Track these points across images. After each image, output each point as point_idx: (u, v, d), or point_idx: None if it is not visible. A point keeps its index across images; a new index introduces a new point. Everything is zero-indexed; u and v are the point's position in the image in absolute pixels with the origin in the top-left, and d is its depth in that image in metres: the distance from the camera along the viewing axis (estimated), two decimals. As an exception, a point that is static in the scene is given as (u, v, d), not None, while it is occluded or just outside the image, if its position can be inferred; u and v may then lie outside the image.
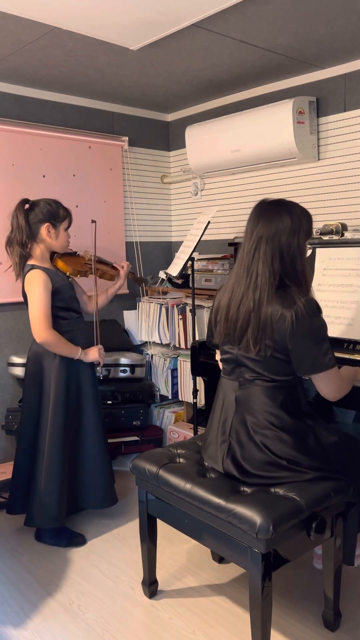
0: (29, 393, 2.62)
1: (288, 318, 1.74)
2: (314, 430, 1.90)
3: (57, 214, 2.56)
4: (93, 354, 2.63)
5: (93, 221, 2.80)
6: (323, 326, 1.79)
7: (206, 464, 2.05)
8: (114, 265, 2.94)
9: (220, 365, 2.14)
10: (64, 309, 2.58)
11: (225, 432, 1.93)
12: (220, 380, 2.04)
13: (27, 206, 2.56)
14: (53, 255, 2.65)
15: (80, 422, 2.68)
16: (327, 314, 2.47)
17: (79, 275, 2.69)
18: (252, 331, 1.80)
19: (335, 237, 2.63)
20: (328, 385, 1.85)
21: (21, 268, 2.56)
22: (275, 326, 1.76)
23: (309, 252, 1.99)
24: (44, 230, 2.54)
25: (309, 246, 1.96)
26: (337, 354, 2.28)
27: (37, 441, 2.60)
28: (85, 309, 2.84)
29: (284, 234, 1.80)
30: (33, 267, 2.52)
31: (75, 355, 2.56)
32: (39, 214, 2.53)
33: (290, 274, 1.82)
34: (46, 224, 2.54)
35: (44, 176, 3.43)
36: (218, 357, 2.15)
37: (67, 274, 2.65)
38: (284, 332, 1.76)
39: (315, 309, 1.78)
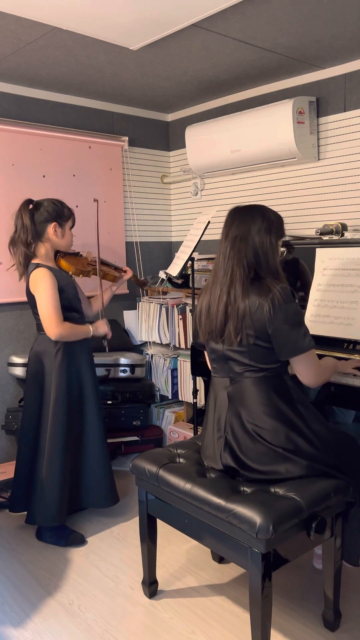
0: (30, 392, 2.62)
1: (266, 306, 1.82)
2: (307, 419, 1.93)
3: (62, 213, 2.59)
4: (102, 326, 2.69)
5: (95, 200, 2.78)
6: (299, 311, 1.87)
7: (206, 464, 2.06)
8: (117, 267, 2.95)
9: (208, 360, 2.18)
10: (67, 308, 2.59)
11: (221, 429, 1.96)
12: (211, 381, 2.07)
13: (31, 206, 2.57)
14: (56, 255, 2.66)
15: (82, 421, 2.69)
16: (327, 314, 2.47)
17: (81, 275, 2.70)
18: (232, 323, 1.87)
19: (335, 237, 2.63)
20: (307, 368, 1.90)
21: (25, 267, 2.57)
22: (254, 315, 1.83)
23: (283, 255, 2.08)
24: (50, 229, 2.56)
25: (282, 249, 2.05)
26: (337, 354, 2.28)
27: (38, 440, 2.61)
28: (88, 313, 2.83)
29: (257, 234, 1.90)
30: (38, 265, 2.53)
31: (89, 334, 2.62)
32: (45, 213, 2.55)
33: (265, 269, 1.91)
34: (53, 223, 2.56)
35: (44, 176, 3.43)
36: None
37: (70, 273, 2.67)
38: (263, 319, 1.83)
39: (291, 295, 1.86)
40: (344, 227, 2.64)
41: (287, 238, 2.69)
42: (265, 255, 1.90)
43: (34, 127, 3.33)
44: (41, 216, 2.55)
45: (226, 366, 1.95)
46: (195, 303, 2.14)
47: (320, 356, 2.07)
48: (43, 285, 2.48)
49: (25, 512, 2.68)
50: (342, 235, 2.63)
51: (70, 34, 2.54)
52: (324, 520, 1.80)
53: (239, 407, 1.91)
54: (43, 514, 2.54)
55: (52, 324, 2.48)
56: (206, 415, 2.08)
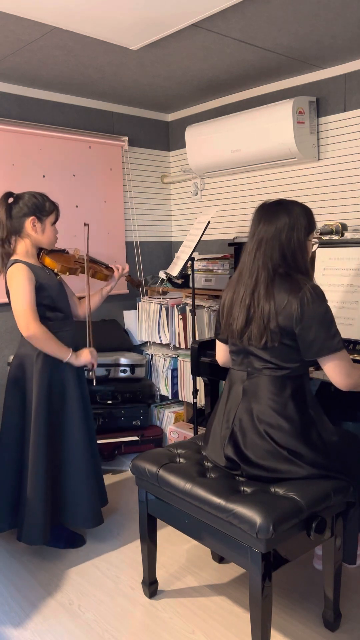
0: (11, 401, 2.46)
1: (295, 303, 1.78)
2: (317, 425, 1.91)
3: (42, 207, 2.40)
4: (85, 356, 2.46)
5: (86, 224, 2.67)
6: (329, 311, 1.83)
7: (206, 463, 2.06)
8: (108, 265, 2.79)
9: (221, 360, 2.17)
10: (50, 308, 2.42)
11: (229, 420, 1.95)
12: (229, 372, 2.06)
13: (10, 200, 2.41)
14: (40, 252, 2.51)
15: (61, 432, 2.48)
16: (327, 314, 2.47)
17: (67, 273, 2.53)
18: (256, 325, 1.84)
19: (335, 237, 2.63)
20: (336, 369, 1.85)
21: (4, 265, 2.41)
22: (283, 312, 1.80)
23: (314, 247, 1.99)
24: (28, 224, 2.38)
25: (314, 241, 1.98)
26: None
27: (22, 452, 2.45)
28: (76, 313, 2.66)
29: (283, 232, 1.86)
30: (16, 261, 2.37)
31: (65, 357, 2.39)
32: (24, 208, 2.38)
33: (292, 267, 1.88)
34: (31, 218, 2.38)
35: (44, 176, 3.43)
36: (220, 357, 2.17)
37: (55, 271, 2.51)
38: (291, 317, 1.79)
39: (322, 295, 1.82)
40: (344, 227, 2.64)
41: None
42: (293, 254, 1.86)
43: (34, 127, 3.33)
44: (20, 211, 2.38)
45: (246, 360, 1.94)
46: (219, 299, 2.11)
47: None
48: (16, 281, 2.31)
49: (10, 530, 2.54)
50: (342, 235, 2.63)
51: (70, 34, 2.54)
52: (324, 520, 1.80)
53: (251, 402, 1.90)
54: (27, 534, 2.39)
55: (26, 319, 2.28)
56: (217, 405, 2.07)
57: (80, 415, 2.50)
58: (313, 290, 1.80)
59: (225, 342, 2.09)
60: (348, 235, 2.62)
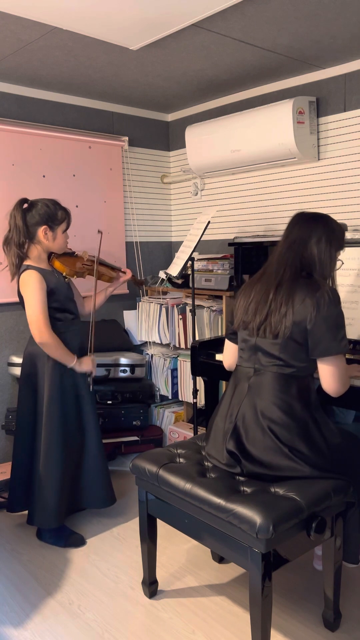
0: (24, 394, 2.61)
1: (312, 302, 1.83)
2: (320, 426, 1.92)
3: (54, 216, 2.53)
4: (87, 364, 2.62)
5: (99, 231, 2.79)
6: (342, 315, 1.88)
7: (206, 463, 2.06)
8: (114, 266, 2.92)
9: (228, 362, 2.19)
10: (59, 309, 2.56)
11: (233, 415, 1.97)
12: (235, 370, 2.08)
13: (25, 206, 2.53)
14: (51, 255, 2.62)
15: (80, 422, 2.67)
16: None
17: (75, 276, 2.65)
18: (274, 317, 1.88)
19: (335, 237, 2.63)
20: (333, 373, 1.88)
21: (17, 268, 2.54)
22: (298, 309, 1.84)
23: (339, 265, 2.02)
24: (41, 232, 2.51)
25: (339, 260, 2.02)
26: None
27: (34, 441, 2.60)
28: (82, 311, 2.81)
29: (316, 243, 1.92)
30: (28, 267, 2.50)
31: (70, 363, 2.55)
32: (36, 216, 2.50)
33: (319, 273, 1.93)
34: (43, 227, 2.51)
35: (44, 176, 3.43)
36: (228, 359, 2.19)
37: (64, 274, 2.62)
38: (305, 314, 1.84)
39: (338, 298, 1.87)
40: (344, 227, 2.64)
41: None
42: (322, 266, 1.93)
43: (34, 127, 3.33)
44: (32, 218, 2.50)
45: (254, 357, 1.96)
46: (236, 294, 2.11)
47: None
48: (30, 288, 2.45)
49: (25, 511, 2.68)
50: (342, 235, 2.63)
51: (70, 34, 2.54)
52: (324, 520, 1.80)
53: (256, 398, 1.92)
54: (41, 516, 2.54)
55: (39, 327, 2.44)
56: (221, 400, 2.08)
57: (92, 404, 2.70)
58: (331, 292, 1.85)
59: (236, 342, 2.11)
60: (348, 235, 2.62)
